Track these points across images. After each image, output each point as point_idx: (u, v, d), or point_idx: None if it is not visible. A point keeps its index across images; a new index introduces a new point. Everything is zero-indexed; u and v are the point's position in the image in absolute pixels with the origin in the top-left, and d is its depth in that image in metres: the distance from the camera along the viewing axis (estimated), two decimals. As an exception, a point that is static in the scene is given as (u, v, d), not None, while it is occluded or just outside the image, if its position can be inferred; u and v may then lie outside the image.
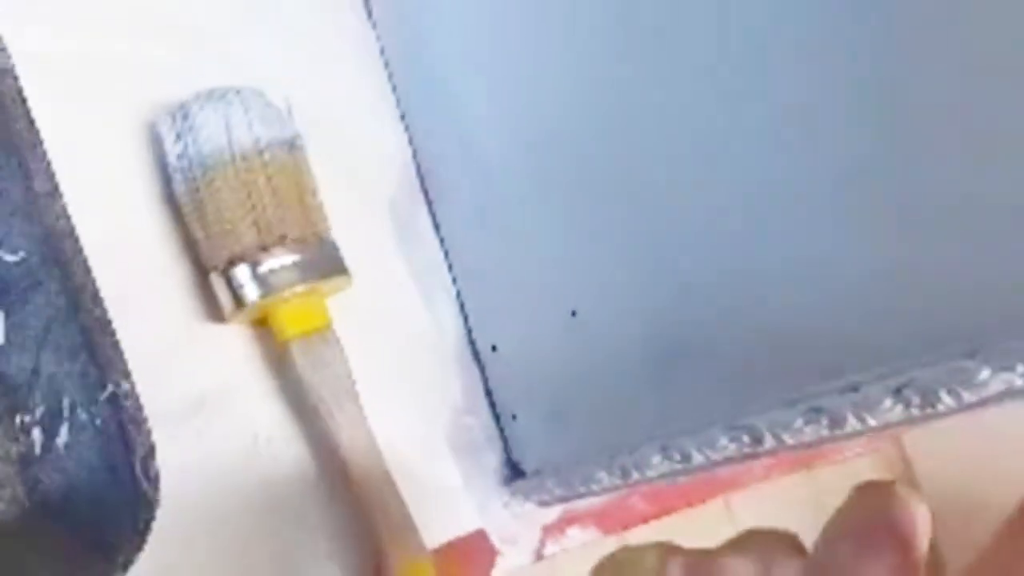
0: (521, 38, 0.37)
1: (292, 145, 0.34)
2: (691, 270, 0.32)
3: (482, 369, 0.40)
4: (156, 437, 0.30)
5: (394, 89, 0.42)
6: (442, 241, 0.42)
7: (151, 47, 0.35)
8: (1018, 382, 0.24)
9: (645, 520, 0.45)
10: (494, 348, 0.40)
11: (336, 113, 0.40)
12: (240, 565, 0.32)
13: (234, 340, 0.34)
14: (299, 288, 0.32)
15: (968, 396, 0.24)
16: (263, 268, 0.32)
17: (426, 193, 0.42)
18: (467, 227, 0.41)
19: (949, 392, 0.25)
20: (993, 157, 0.24)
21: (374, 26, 0.43)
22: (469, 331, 0.41)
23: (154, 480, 0.28)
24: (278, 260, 0.32)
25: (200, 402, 0.32)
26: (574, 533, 0.42)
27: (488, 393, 0.40)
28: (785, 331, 0.29)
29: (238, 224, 0.32)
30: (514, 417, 0.39)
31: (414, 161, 0.42)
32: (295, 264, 0.32)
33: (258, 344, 0.34)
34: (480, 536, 0.38)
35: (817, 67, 0.27)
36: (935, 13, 0.24)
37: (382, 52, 0.43)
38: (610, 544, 0.44)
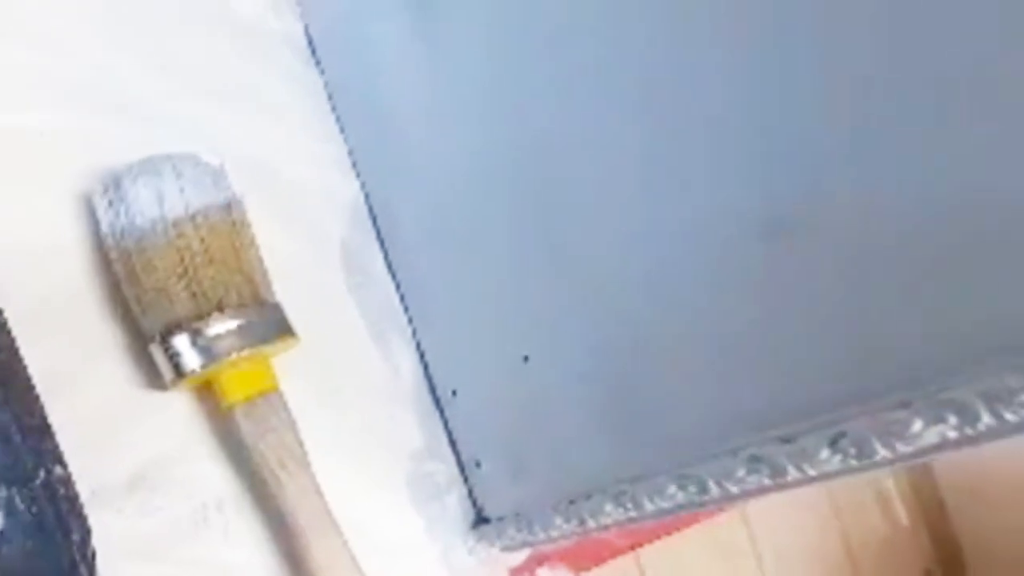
0: (470, 79, 0.37)
1: (229, 208, 0.33)
2: (635, 317, 0.31)
3: (443, 415, 0.40)
4: (100, 512, 0.30)
5: (342, 131, 0.42)
6: (398, 284, 0.41)
7: (86, 116, 0.35)
8: (951, 434, 0.23)
9: (620, 553, 0.45)
10: (454, 393, 0.40)
11: (281, 160, 0.39)
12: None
13: (178, 407, 0.33)
14: (241, 354, 0.32)
15: (902, 447, 0.24)
16: (203, 336, 0.31)
17: (379, 236, 0.41)
18: (422, 270, 0.40)
19: (883, 443, 0.24)
20: (927, 201, 0.24)
21: (321, 70, 0.43)
22: (429, 376, 0.40)
23: (90, 562, 0.28)
24: (218, 327, 0.32)
25: (144, 473, 0.32)
26: (543, 573, 0.41)
27: (451, 439, 0.40)
28: (725, 381, 0.29)
29: (173, 293, 0.31)
30: (478, 464, 0.39)
31: (366, 204, 0.42)
32: (236, 329, 0.32)
33: (203, 410, 0.34)
34: (445, 585, 0.38)
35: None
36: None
37: (329, 96, 0.43)
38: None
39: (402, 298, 0.41)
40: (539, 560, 0.41)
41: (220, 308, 0.32)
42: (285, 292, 0.35)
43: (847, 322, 0.25)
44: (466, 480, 0.40)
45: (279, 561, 0.33)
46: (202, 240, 0.32)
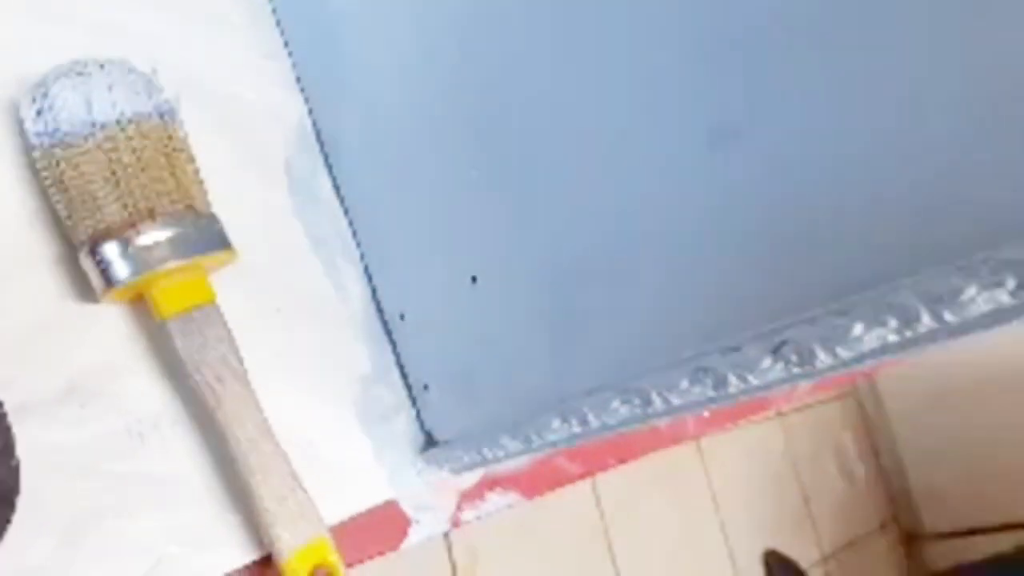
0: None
1: (161, 116, 0.32)
2: (582, 232, 0.31)
3: (391, 338, 0.39)
4: (28, 423, 0.29)
5: (287, 47, 0.40)
6: (345, 206, 0.40)
7: (14, 23, 0.33)
8: (892, 337, 0.23)
9: (571, 480, 0.45)
10: (402, 316, 0.39)
11: (223, 75, 0.38)
12: (126, 554, 0.31)
13: (112, 320, 0.32)
14: (174, 264, 0.31)
15: (844, 353, 0.24)
16: (133, 245, 0.30)
17: (326, 156, 0.40)
18: (369, 191, 0.39)
19: (825, 349, 0.24)
20: (864, 102, 0.23)
21: (264, -20, 0.41)
22: (377, 299, 0.39)
23: (14, 472, 0.27)
24: (150, 236, 0.30)
25: (76, 386, 0.31)
26: (494, 498, 0.41)
27: (399, 362, 0.39)
28: (669, 293, 0.28)
29: (103, 201, 0.30)
30: (425, 387, 0.38)
31: (312, 123, 0.40)
32: (169, 239, 0.31)
33: (138, 323, 0.33)
34: (392, 506, 0.37)
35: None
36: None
37: (273, 10, 0.41)
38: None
39: (350, 220, 0.40)
40: (490, 484, 0.41)
41: (151, 216, 0.30)
42: (225, 209, 0.34)
43: (788, 228, 0.24)
44: (415, 404, 0.39)
45: (217, 475, 0.33)
46: (132, 146, 0.31)
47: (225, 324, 0.33)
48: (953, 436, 2.08)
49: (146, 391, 0.32)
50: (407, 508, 0.38)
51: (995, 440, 1.97)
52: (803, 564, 1.82)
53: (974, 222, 0.21)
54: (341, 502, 0.36)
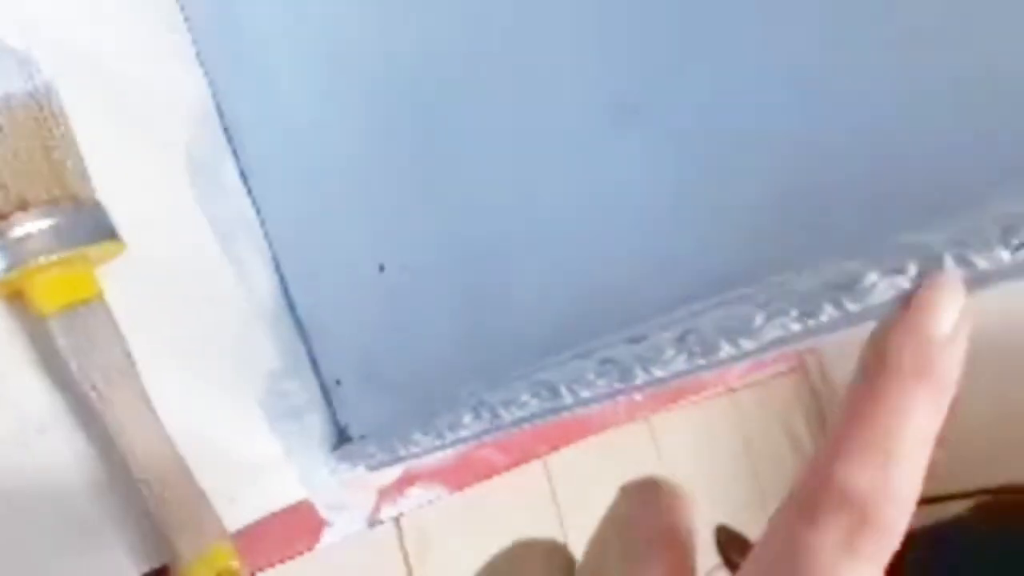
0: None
1: (35, 96, 0.30)
2: (487, 219, 0.29)
3: (302, 331, 0.38)
4: None
5: (186, 21, 0.38)
6: (252, 194, 0.38)
7: None
8: (794, 326, 0.22)
9: (499, 472, 0.44)
10: (313, 308, 0.37)
11: (115, 52, 0.35)
12: (14, 567, 0.29)
13: (-12, 319, 0.30)
14: (51, 257, 0.29)
15: (746, 343, 0.23)
16: (5, 237, 0.28)
17: (230, 141, 0.38)
18: (275, 176, 0.37)
19: (727, 339, 0.23)
20: (768, 81, 0.22)
21: (162, -45, 0.38)
22: (286, 290, 0.38)
23: None
24: (23, 228, 0.28)
25: (-53, 392, 0.28)
26: (416, 493, 0.40)
27: (311, 356, 0.38)
28: (575, 281, 0.27)
29: (-31, 190, 0.28)
30: (338, 382, 0.37)
31: (215, 106, 0.38)
32: (46, 231, 0.29)
33: (16, 321, 0.30)
34: (305, 506, 0.36)
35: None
36: None
37: (173, -15, 0.38)
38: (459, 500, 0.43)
39: (256, 208, 0.38)
40: (410, 480, 0.40)
41: (24, 207, 0.28)
42: (116, 196, 0.32)
43: (688, 213, 0.23)
44: (328, 399, 0.37)
45: (109, 482, 0.31)
46: (2, 132, 0.28)
47: (113, 321, 0.31)
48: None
49: (29, 392, 0.30)
50: (320, 508, 0.36)
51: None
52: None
53: (874, 207, 0.20)
54: (248, 504, 0.34)
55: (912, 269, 0.19)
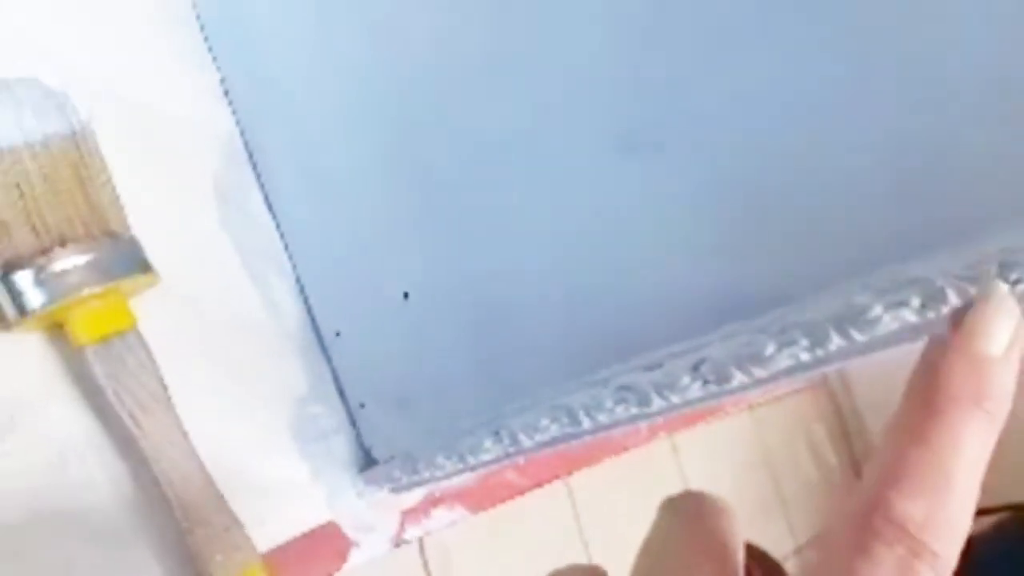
0: (346, 8, 0.35)
1: (73, 136, 0.31)
2: (506, 248, 0.30)
3: (328, 356, 0.39)
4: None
5: (215, 60, 0.40)
6: (277, 222, 0.39)
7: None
8: (804, 356, 0.23)
9: (520, 494, 0.45)
10: (338, 334, 0.38)
11: (145, 89, 0.37)
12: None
13: (30, 349, 0.31)
14: (89, 291, 0.30)
15: (758, 371, 0.23)
16: (46, 272, 0.29)
17: (256, 171, 0.39)
18: (301, 207, 0.39)
19: (739, 368, 0.24)
20: (775, 120, 0.23)
21: (191, -6, 0.40)
22: (312, 317, 0.39)
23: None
24: (63, 263, 0.30)
25: (-8, 419, 0.30)
26: (440, 515, 0.41)
27: (336, 380, 0.39)
28: (591, 309, 0.28)
29: (13, 227, 0.29)
30: (362, 405, 0.38)
31: (242, 138, 0.39)
32: (84, 265, 0.30)
33: (57, 351, 0.32)
34: (331, 528, 0.37)
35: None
36: None
37: (200, 23, 0.40)
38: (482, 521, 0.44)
39: (283, 236, 0.39)
40: (434, 502, 0.40)
41: (63, 243, 0.29)
42: (149, 229, 0.33)
43: (702, 244, 0.24)
44: (353, 423, 0.38)
45: (144, 504, 0.32)
46: (42, 171, 0.30)
47: (147, 349, 0.32)
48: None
49: (68, 420, 0.31)
50: (347, 529, 0.37)
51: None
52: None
53: (879, 240, 0.21)
54: (277, 526, 0.35)
55: (915, 302, 0.20)
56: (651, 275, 0.26)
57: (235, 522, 0.32)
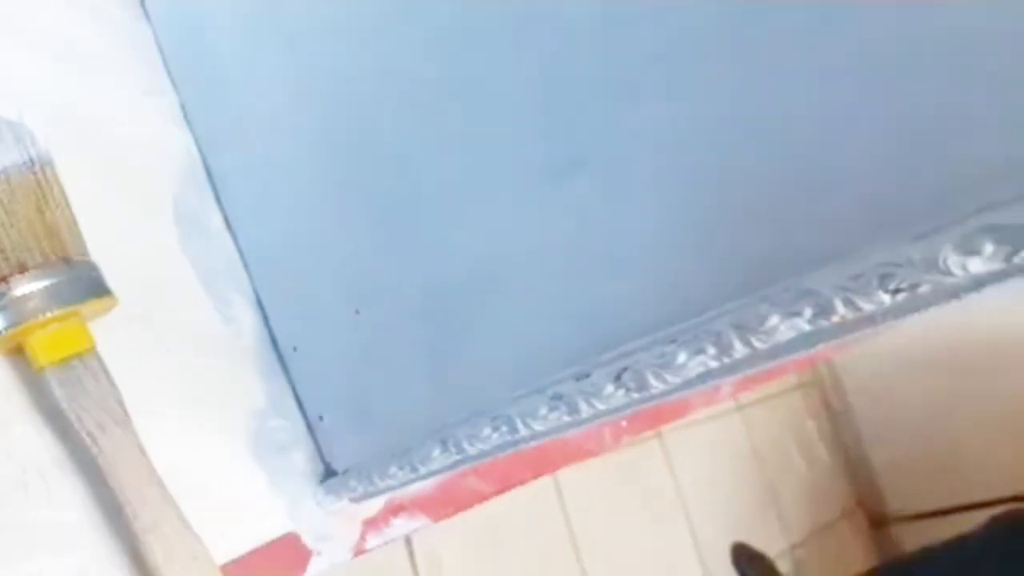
0: (292, 35, 0.36)
1: (31, 165, 0.32)
2: (448, 267, 0.31)
3: (286, 371, 0.40)
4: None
5: (174, 84, 0.41)
6: (237, 241, 0.40)
7: None
8: (712, 364, 0.24)
9: (483, 500, 0.46)
10: (295, 349, 0.39)
11: (105, 115, 0.38)
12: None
13: (-9, 372, 0.32)
14: (49, 315, 0.31)
15: (671, 378, 0.25)
16: (6, 297, 0.31)
17: (216, 192, 0.41)
18: (259, 226, 0.40)
19: (655, 376, 0.25)
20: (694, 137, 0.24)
21: (150, 24, 0.41)
22: (271, 333, 0.40)
23: None
24: (23, 288, 0.31)
25: (-47, 441, 0.31)
26: (400, 523, 0.42)
27: (295, 394, 0.40)
28: (527, 321, 0.29)
29: (-29, 255, 0.30)
30: (321, 418, 0.39)
31: (201, 159, 0.41)
32: (44, 291, 0.31)
33: (17, 374, 0.33)
34: (291, 538, 0.38)
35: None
36: None
37: (160, 50, 0.41)
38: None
39: (241, 255, 0.40)
40: (394, 510, 0.42)
41: (22, 270, 0.31)
42: (109, 252, 0.34)
43: (622, 262, 0.26)
44: (313, 435, 0.40)
45: (106, 522, 0.33)
46: (1, 201, 0.31)
47: (105, 371, 0.33)
48: (914, 419, 2.12)
49: (29, 439, 0.32)
50: (307, 539, 0.38)
51: (954, 422, 2.02)
52: (772, 553, 1.84)
53: (775, 257, 0.22)
54: (238, 537, 0.36)
55: (808, 312, 0.21)
56: (579, 291, 0.27)
57: (194, 537, 0.33)
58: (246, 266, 0.40)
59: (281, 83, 0.37)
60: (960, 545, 1.51)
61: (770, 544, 1.86)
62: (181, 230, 0.39)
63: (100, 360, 0.33)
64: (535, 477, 0.49)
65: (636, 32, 0.24)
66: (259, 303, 0.40)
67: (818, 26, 0.20)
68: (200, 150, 0.41)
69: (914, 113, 0.19)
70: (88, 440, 0.32)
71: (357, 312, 0.36)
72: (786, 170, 0.22)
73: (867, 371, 2.16)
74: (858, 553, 2.19)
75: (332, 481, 0.38)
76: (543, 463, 0.50)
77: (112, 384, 0.33)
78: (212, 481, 0.36)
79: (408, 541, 1.18)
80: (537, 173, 0.27)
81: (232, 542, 0.36)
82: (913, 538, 2.06)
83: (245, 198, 0.40)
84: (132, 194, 0.38)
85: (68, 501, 0.33)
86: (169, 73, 0.41)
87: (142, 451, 0.33)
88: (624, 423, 0.55)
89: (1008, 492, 1.83)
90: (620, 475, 1.60)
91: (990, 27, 0.18)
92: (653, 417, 0.58)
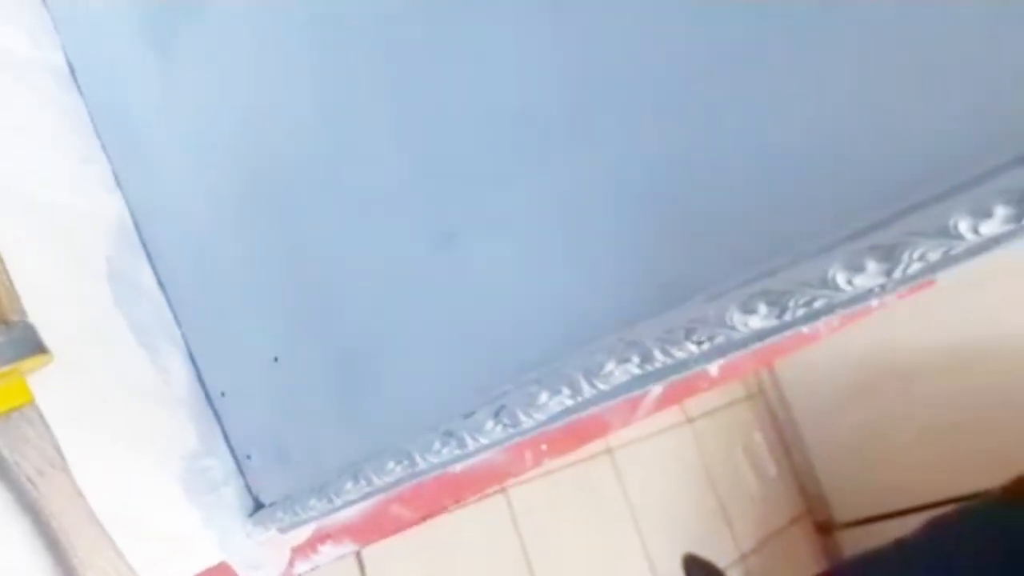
0: (208, 105, 0.40)
1: (-31, 237, 0.35)
2: (356, 322, 0.35)
3: (216, 414, 0.43)
4: None
5: (105, 152, 0.44)
6: (167, 296, 0.44)
7: None
8: (568, 402, 0.28)
9: (407, 526, 0.49)
10: (223, 394, 0.43)
11: (40, 183, 0.41)
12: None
13: (-65, 427, 0.35)
14: (-13, 374, 0.34)
15: (537, 415, 0.29)
16: (-53, 360, 0.34)
17: (147, 250, 0.44)
18: (187, 281, 0.43)
19: (525, 413, 0.29)
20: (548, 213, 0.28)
21: (82, 95, 0.45)
22: (201, 380, 0.43)
23: None
24: (-38, 351, 0.34)
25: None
26: (327, 549, 0.45)
27: (225, 435, 0.43)
28: (421, 367, 0.33)
29: (-85, 322, 0.33)
30: (248, 456, 0.43)
31: (133, 222, 0.44)
32: (-18, 351, 0.34)
33: (-39, 428, 0.36)
34: (224, 568, 0.41)
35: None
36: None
37: (91, 119, 0.45)
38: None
39: (172, 308, 0.44)
40: (321, 538, 0.45)
41: (-38, 334, 0.34)
42: (47, 311, 0.38)
43: (494, 318, 0.30)
44: (242, 472, 0.43)
45: (44, 557, 0.36)
46: (-59, 270, 0.34)
47: (43, 421, 0.36)
48: (853, 428, 2.21)
49: (-29, 489, 0.35)
50: (238, 568, 0.41)
51: (891, 431, 2.11)
52: (722, 563, 1.89)
53: (608, 314, 0.27)
54: (174, 569, 0.39)
55: (635, 359, 0.26)
56: (461, 343, 0.31)
57: (128, 568, 0.36)
58: (176, 319, 0.44)
59: (198, 154, 0.40)
60: (899, 548, 1.58)
61: (721, 554, 1.91)
62: (115, 288, 0.42)
63: (38, 411, 0.36)
64: (456, 503, 0.53)
65: (497, 120, 0.29)
66: (189, 353, 0.43)
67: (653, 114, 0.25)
68: (132, 213, 0.44)
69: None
70: (28, 484, 0.35)
71: (276, 360, 0.39)
72: (622, 253, 0.27)
73: (807, 383, 2.25)
74: (807, 560, 2.26)
75: (260, 514, 0.42)
76: (465, 488, 0.54)
77: (50, 432, 0.36)
78: (148, 517, 0.39)
79: (359, 556, 1.20)
80: (420, 243, 0.31)
81: (168, 574, 0.39)
82: (859, 543, 2.13)
83: (174, 257, 0.43)
84: (68, 257, 0.41)
85: (11, 539, 0.36)
86: (101, 142, 0.44)
87: (79, 493, 0.36)
88: (544, 447, 0.59)
89: (944, 495, 1.92)
90: (571, 489, 1.64)
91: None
92: (571, 440, 0.63)
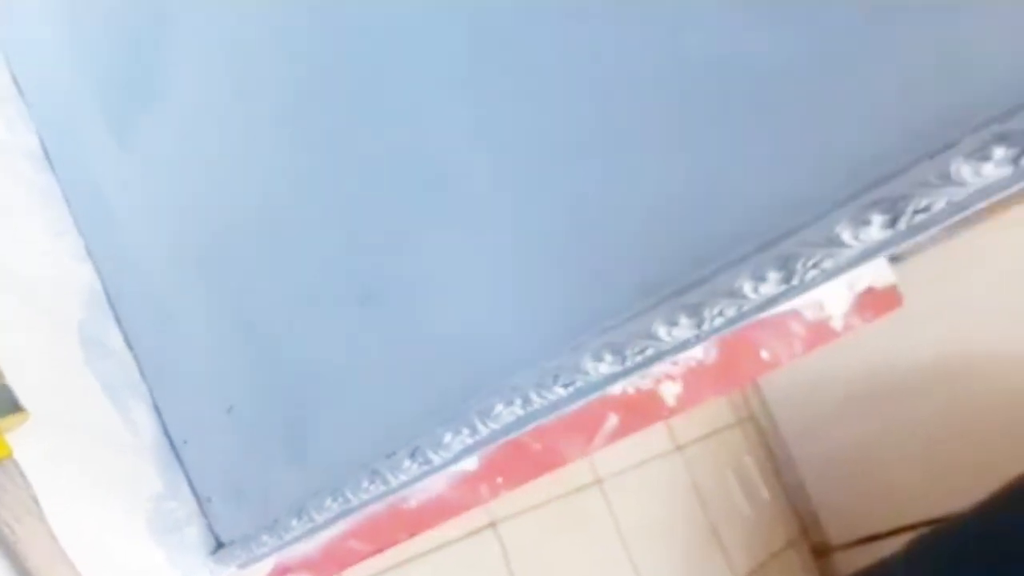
0: (166, 183, 0.44)
1: (-49, 311, 0.40)
2: (295, 376, 0.40)
3: (180, 460, 0.47)
4: None
5: (77, 226, 0.49)
6: (135, 354, 0.48)
7: None
8: (468, 440, 0.33)
9: (363, 559, 0.53)
10: (185, 442, 0.47)
11: (14, 257, 0.46)
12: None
13: (-78, 482, 0.39)
14: (-32, 433, 0.39)
15: (443, 454, 0.33)
16: (-68, 421, 0.38)
17: (115, 314, 0.49)
18: (152, 340, 0.48)
19: (433, 452, 0.33)
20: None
21: (56, 175, 0.49)
22: (166, 429, 0.48)
23: None
24: (-55, 413, 0.38)
25: None
26: (286, 583, 0.49)
27: (188, 480, 0.47)
28: (351, 415, 0.37)
29: (-97, 389, 0.38)
30: (209, 499, 0.47)
31: (102, 288, 0.49)
32: (-37, 412, 0.39)
33: (-55, 482, 0.40)
34: (188, 603, 0.45)
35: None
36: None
37: (64, 197, 0.49)
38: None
39: (139, 366, 0.48)
40: (281, 572, 0.49)
41: (-56, 398, 0.38)
42: (22, 373, 0.42)
43: (408, 369, 0.34)
44: (204, 514, 0.47)
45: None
46: (-73, 342, 0.39)
47: (21, 472, 0.40)
48: (844, 449, 2.23)
49: (-46, 536, 0.39)
50: (201, 602, 0.45)
51: (882, 450, 2.13)
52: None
53: (491, 362, 0.31)
54: (141, 605, 0.43)
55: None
56: (383, 391, 0.36)
57: (98, 604, 0.40)
58: (142, 375, 0.48)
59: (157, 227, 0.45)
60: (883, 567, 1.60)
61: (713, 581, 1.92)
62: (86, 350, 0.47)
63: (16, 463, 0.40)
64: (410, 536, 0.57)
65: (407, 193, 0.33)
66: (155, 405, 0.48)
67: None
68: (102, 281, 0.49)
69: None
70: (6, 529, 0.39)
71: (230, 410, 0.44)
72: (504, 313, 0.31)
73: (796, 406, 2.28)
74: (805, 583, 2.27)
75: (221, 552, 0.46)
76: (416, 523, 0.58)
77: (27, 482, 0.40)
78: (117, 556, 0.43)
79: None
80: (345, 305, 0.36)
81: (134, 610, 0.43)
82: (855, 565, 2.15)
83: (139, 319, 0.48)
84: (41, 323, 0.46)
85: (-10, 585, 0.40)
86: (73, 217, 0.49)
87: (52, 536, 0.40)
88: (500, 479, 0.63)
89: (935, 513, 1.94)
90: (561, 519, 1.65)
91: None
92: (526, 471, 0.67)
